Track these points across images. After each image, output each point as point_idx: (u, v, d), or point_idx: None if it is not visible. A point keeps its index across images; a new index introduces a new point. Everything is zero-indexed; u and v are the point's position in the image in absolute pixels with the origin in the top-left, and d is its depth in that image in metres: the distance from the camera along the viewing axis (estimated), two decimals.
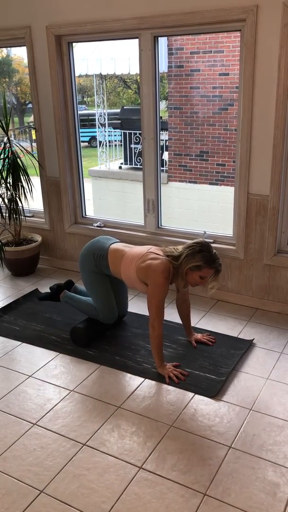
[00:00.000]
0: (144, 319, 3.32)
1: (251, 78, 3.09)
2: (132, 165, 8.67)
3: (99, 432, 2.37)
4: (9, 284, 4.11)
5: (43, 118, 4.04)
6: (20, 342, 3.18)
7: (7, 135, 3.99)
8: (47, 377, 2.81)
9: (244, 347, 3.04)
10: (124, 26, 3.41)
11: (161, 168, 3.91)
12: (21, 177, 4.02)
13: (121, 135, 9.00)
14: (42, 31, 3.76)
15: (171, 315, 3.36)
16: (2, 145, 3.99)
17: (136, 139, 8.50)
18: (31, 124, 4.26)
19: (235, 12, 3.01)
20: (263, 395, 2.61)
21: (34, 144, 4.35)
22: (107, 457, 2.22)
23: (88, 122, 13.79)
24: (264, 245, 3.41)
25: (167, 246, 2.90)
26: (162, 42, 7.28)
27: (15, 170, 3.99)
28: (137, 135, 8.35)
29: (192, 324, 3.21)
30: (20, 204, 4.11)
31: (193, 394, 2.63)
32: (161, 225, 3.93)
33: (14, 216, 4.11)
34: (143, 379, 2.77)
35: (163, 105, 9.52)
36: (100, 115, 9.18)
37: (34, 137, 4.65)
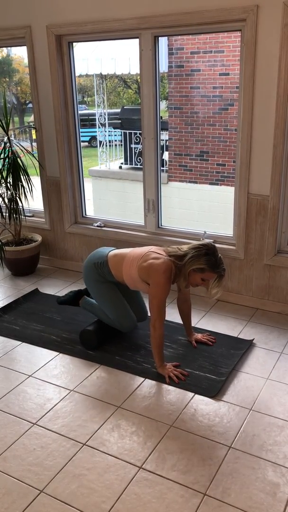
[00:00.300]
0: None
1: (252, 78, 3.09)
2: (132, 165, 8.67)
3: (99, 432, 2.37)
4: (9, 284, 4.11)
5: (43, 118, 4.04)
6: (20, 342, 3.18)
7: (7, 134, 3.99)
8: (47, 377, 2.81)
9: (244, 347, 3.04)
10: (124, 26, 3.41)
11: (161, 168, 3.91)
12: (21, 176, 4.02)
13: (121, 135, 9.00)
14: (42, 30, 3.76)
15: (171, 315, 3.36)
16: (2, 145, 3.99)
17: (136, 139, 8.51)
18: (31, 123, 4.26)
19: (236, 12, 3.01)
20: (263, 395, 2.61)
21: (34, 144, 4.35)
22: (107, 457, 2.22)
23: (88, 122, 13.79)
24: (264, 245, 3.41)
25: (170, 246, 2.88)
26: (163, 42, 7.28)
27: (15, 169, 3.99)
28: (137, 135, 8.35)
29: (192, 324, 3.21)
30: (20, 204, 4.11)
31: (193, 394, 2.63)
32: (161, 225, 3.93)
33: (14, 215, 4.11)
34: (143, 379, 2.77)
35: (163, 105, 9.51)
36: (100, 115, 9.18)
37: (34, 136, 4.65)
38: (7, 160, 3.97)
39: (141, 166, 3.86)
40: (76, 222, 4.28)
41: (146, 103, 3.62)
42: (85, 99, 17.38)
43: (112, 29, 3.47)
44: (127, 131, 8.65)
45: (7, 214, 4.12)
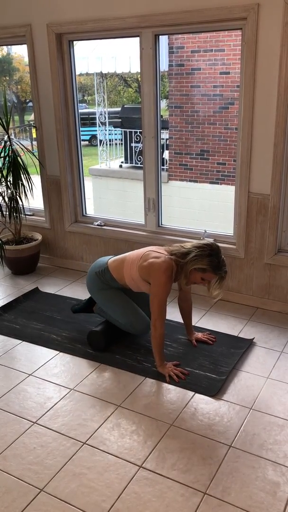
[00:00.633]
0: None
1: (252, 76, 3.09)
2: (133, 164, 8.67)
3: (99, 431, 2.37)
4: (9, 282, 4.11)
5: (43, 117, 4.03)
6: (20, 341, 3.18)
7: (7, 133, 3.99)
8: (47, 376, 2.81)
9: (244, 346, 3.04)
10: (124, 25, 3.40)
11: (162, 167, 3.91)
12: (22, 175, 4.02)
13: (121, 133, 8.99)
14: (42, 29, 3.75)
15: (171, 314, 3.36)
16: (3, 144, 3.99)
17: (137, 138, 8.50)
18: (32, 122, 4.25)
19: (236, 10, 3.00)
20: (263, 394, 2.61)
21: (35, 143, 4.35)
22: (107, 456, 2.21)
23: (89, 120, 13.77)
24: (264, 244, 3.41)
25: (172, 245, 2.87)
26: (163, 40, 7.27)
27: (16, 168, 3.99)
28: (138, 133, 8.35)
29: (193, 323, 3.20)
30: (20, 203, 4.11)
31: (193, 393, 2.63)
32: (161, 224, 3.92)
33: (15, 214, 4.11)
34: (143, 378, 2.77)
35: (163, 103, 9.50)
36: (101, 114, 9.17)
37: (34, 135, 4.65)
38: (7, 158, 3.97)
39: (142, 165, 3.85)
40: (76, 221, 4.27)
41: (146, 102, 3.61)
42: (85, 97, 17.37)
43: (112, 27, 3.47)
44: (128, 130, 8.65)
45: (7, 213, 4.12)
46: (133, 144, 8.64)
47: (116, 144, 9.60)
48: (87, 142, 14.52)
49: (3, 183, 4.02)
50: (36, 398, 2.61)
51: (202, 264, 2.64)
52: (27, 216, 4.41)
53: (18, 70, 14.31)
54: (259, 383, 2.71)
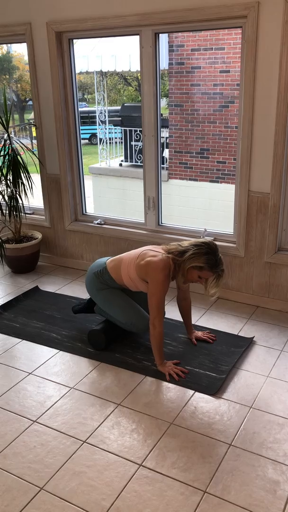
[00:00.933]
0: None
1: (252, 75, 3.08)
2: (133, 162, 8.66)
3: (99, 429, 2.37)
4: (10, 281, 4.11)
5: (43, 115, 4.03)
6: (20, 340, 3.18)
7: (7, 132, 3.98)
8: (47, 375, 2.81)
9: (244, 345, 3.04)
10: (124, 23, 3.40)
11: (162, 165, 3.90)
12: (21, 174, 4.02)
13: (121, 132, 8.98)
14: (42, 27, 3.74)
15: (171, 312, 3.36)
16: (3, 142, 3.99)
17: (137, 137, 8.49)
18: (32, 121, 4.25)
19: (237, 8, 3.00)
20: (263, 393, 2.61)
21: (35, 141, 4.34)
22: (107, 455, 2.22)
23: (89, 119, 13.77)
24: (264, 243, 3.41)
25: (169, 244, 2.87)
26: (163, 39, 7.27)
27: (15, 167, 3.98)
28: (138, 132, 8.34)
29: (193, 322, 3.20)
30: (20, 201, 4.10)
31: (193, 391, 2.63)
32: (161, 223, 3.92)
33: (14, 213, 4.10)
34: (143, 376, 2.77)
35: (163, 102, 9.49)
36: (101, 112, 9.16)
37: (34, 134, 4.64)
38: (7, 157, 3.97)
39: (142, 164, 3.85)
40: (76, 219, 4.27)
41: (146, 100, 3.61)
42: (85, 96, 17.36)
43: (112, 25, 3.46)
44: (128, 129, 8.64)
45: (7, 212, 4.12)
46: (133, 143, 8.63)
47: (116, 142, 9.60)
48: (87, 141, 14.52)
49: (3, 182, 4.02)
50: (36, 397, 2.62)
51: (199, 262, 2.64)
52: (27, 215, 4.41)
53: (18, 68, 14.30)
54: (259, 381, 2.71)
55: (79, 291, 3.84)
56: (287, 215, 3.36)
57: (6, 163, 3.98)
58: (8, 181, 4.01)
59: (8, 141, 3.97)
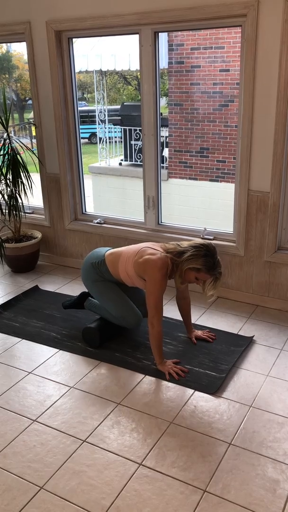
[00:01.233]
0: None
1: (252, 74, 3.08)
2: (132, 161, 8.65)
3: (99, 428, 2.37)
4: (9, 280, 4.11)
5: (43, 115, 4.03)
6: (20, 339, 3.18)
7: (7, 131, 3.98)
8: (47, 374, 2.81)
9: (244, 344, 3.04)
10: (124, 22, 3.39)
11: (161, 164, 3.91)
12: (21, 173, 4.02)
13: (121, 131, 8.97)
14: (42, 26, 3.74)
15: (171, 312, 3.36)
16: (2, 142, 3.98)
17: (136, 136, 8.49)
18: (31, 120, 4.25)
19: (236, 7, 2.99)
20: (263, 392, 2.61)
21: (34, 141, 4.34)
22: (107, 454, 2.22)
23: (88, 118, 13.76)
24: (264, 242, 3.41)
25: (169, 242, 2.88)
26: (163, 38, 7.26)
27: (15, 166, 3.98)
28: (137, 131, 8.33)
29: (192, 321, 3.20)
30: (20, 201, 4.10)
31: (193, 391, 2.63)
32: (161, 222, 3.92)
33: (14, 212, 4.10)
34: (143, 375, 2.77)
35: (163, 101, 9.48)
36: (100, 112, 9.16)
37: (34, 133, 4.64)
38: (6, 156, 3.97)
39: (141, 163, 3.85)
40: (76, 219, 4.27)
41: (146, 99, 3.60)
42: (85, 95, 17.35)
43: (112, 24, 3.46)
44: (127, 128, 8.63)
45: (7, 211, 4.12)
46: (132, 142, 8.62)
47: (115, 142, 9.59)
48: (86, 140, 14.51)
49: (3, 181, 4.02)
50: (36, 396, 2.62)
51: (197, 264, 2.65)
52: (26, 214, 4.41)
53: (17, 67, 14.30)
54: (259, 381, 2.71)
55: (78, 290, 3.84)
56: (287, 214, 3.36)
57: (5, 163, 3.97)
58: (8, 181, 4.01)
59: (7, 141, 3.97)
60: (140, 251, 2.85)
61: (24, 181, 4.05)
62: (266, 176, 3.26)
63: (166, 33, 7.16)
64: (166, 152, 8.04)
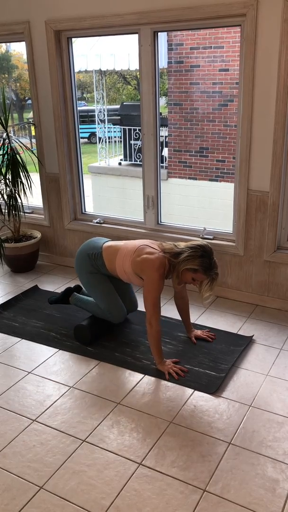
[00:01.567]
0: (143, 315, 3.31)
1: (251, 73, 3.08)
2: (132, 161, 8.65)
3: (99, 428, 2.37)
4: (9, 280, 4.11)
5: (42, 114, 4.02)
6: (19, 339, 3.18)
7: (6, 131, 3.98)
8: (46, 374, 2.81)
9: (243, 344, 3.04)
10: (123, 21, 3.39)
11: (161, 164, 3.91)
12: (21, 173, 4.01)
13: (120, 131, 8.97)
14: (41, 26, 3.74)
15: (171, 311, 3.36)
16: (2, 141, 3.98)
17: (136, 135, 8.48)
18: (31, 120, 4.24)
19: (236, 7, 2.99)
20: (262, 392, 2.61)
21: (34, 140, 4.34)
22: (106, 454, 2.22)
23: (88, 118, 13.76)
24: (264, 242, 3.41)
25: (165, 242, 2.89)
26: (162, 37, 7.25)
27: (15, 166, 3.98)
28: (137, 131, 8.33)
29: (192, 321, 3.20)
30: (19, 201, 4.10)
31: (192, 390, 2.63)
32: (160, 222, 3.92)
33: (14, 212, 4.10)
34: (142, 375, 2.77)
35: (162, 101, 9.49)
36: (100, 111, 9.15)
37: (33, 133, 4.64)
38: (6, 156, 3.96)
39: (141, 163, 3.85)
40: (75, 218, 4.27)
41: (145, 99, 3.60)
42: (84, 95, 17.34)
43: (111, 24, 3.46)
44: (127, 128, 8.63)
45: (6, 211, 4.11)
46: (132, 142, 8.62)
47: (115, 141, 9.59)
48: (86, 140, 14.51)
49: (2, 181, 4.01)
50: (36, 396, 2.62)
51: (194, 264, 2.66)
52: (26, 214, 4.41)
53: (17, 67, 14.29)
54: (258, 380, 2.71)
55: None
56: (286, 214, 3.36)
57: (5, 162, 3.97)
58: (7, 180, 4.01)
59: (7, 140, 3.97)
60: (138, 249, 2.86)
61: (24, 181, 4.05)
62: (265, 175, 3.26)
63: (165, 33, 7.16)
64: (165, 152, 8.04)
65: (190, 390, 2.63)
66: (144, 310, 2.79)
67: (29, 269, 4.29)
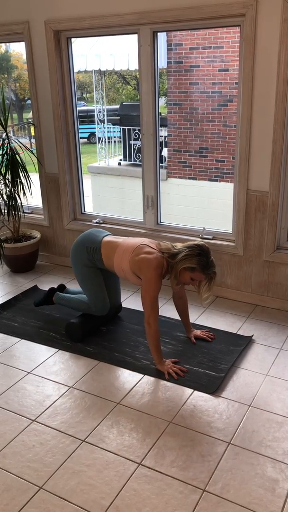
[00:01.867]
0: (142, 315, 3.31)
1: (251, 73, 3.08)
2: (131, 161, 8.65)
3: (98, 428, 2.37)
4: (8, 280, 4.11)
5: (42, 114, 4.02)
6: (19, 339, 3.18)
7: (6, 131, 3.98)
8: (46, 374, 2.81)
9: (243, 344, 3.04)
10: (123, 21, 3.39)
11: (161, 164, 3.91)
12: (20, 173, 4.01)
13: (120, 131, 8.97)
14: (40, 26, 3.74)
15: (170, 311, 3.36)
16: (1, 141, 3.98)
17: (135, 135, 8.49)
18: (30, 120, 4.25)
19: (235, 7, 2.99)
20: (262, 391, 2.61)
21: (33, 141, 4.34)
22: (106, 454, 2.22)
23: (87, 118, 13.76)
24: (263, 242, 3.41)
25: (163, 241, 2.89)
26: (161, 37, 7.25)
27: (14, 166, 3.98)
28: (136, 131, 8.33)
29: (192, 321, 3.21)
30: (19, 201, 4.10)
31: (192, 390, 2.63)
32: (160, 222, 3.92)
33: (13, 212, 4.10)
34: (142, 375, 2.77)
35: (162, 101, 9.49)
36: (99, 111, 9.15)
37: (33, 133, 4.63)
38: (5, 156, 3.96)
39: (140, 163, 3.85)
40: (75, 218, 4.27)
41: (145, 99, 3.60)
42: (84, 95, 17.34)
43: (110, 24, 3.46)
44: (126, 128, 8.63)
45: (6, 211, 4.11)
46: (131, 142, 8.62)
47: (114, 141, 9.59)
48: (85, 140, 14.50)
49: (2, 181, 4.01)
50: (35, 396, 2.62)
51: (191, 263, 2.66)
52: (25, 214, 4.41)
53: (16, 67, 14.29)
54: (258, 380, 2.71)
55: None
56: (286, 214, 3.37)
57: (4, 163, 3.97)
58: (7, 181, 4.01)
59: (6, 140, 3.97)
60: (137, 248, 2.86)
61: (23, 181, 4.05)
62: (265, 175, 3.26)
63: (165, 33, 7.16)
64: (165, 152, 8.04)
65: (189, 390, 2.63)
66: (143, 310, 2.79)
67: (28, 269, 4.29)
